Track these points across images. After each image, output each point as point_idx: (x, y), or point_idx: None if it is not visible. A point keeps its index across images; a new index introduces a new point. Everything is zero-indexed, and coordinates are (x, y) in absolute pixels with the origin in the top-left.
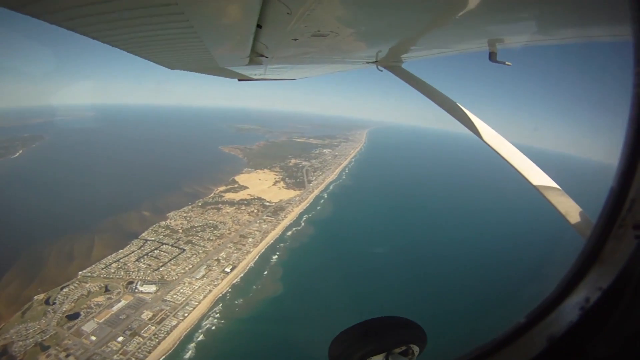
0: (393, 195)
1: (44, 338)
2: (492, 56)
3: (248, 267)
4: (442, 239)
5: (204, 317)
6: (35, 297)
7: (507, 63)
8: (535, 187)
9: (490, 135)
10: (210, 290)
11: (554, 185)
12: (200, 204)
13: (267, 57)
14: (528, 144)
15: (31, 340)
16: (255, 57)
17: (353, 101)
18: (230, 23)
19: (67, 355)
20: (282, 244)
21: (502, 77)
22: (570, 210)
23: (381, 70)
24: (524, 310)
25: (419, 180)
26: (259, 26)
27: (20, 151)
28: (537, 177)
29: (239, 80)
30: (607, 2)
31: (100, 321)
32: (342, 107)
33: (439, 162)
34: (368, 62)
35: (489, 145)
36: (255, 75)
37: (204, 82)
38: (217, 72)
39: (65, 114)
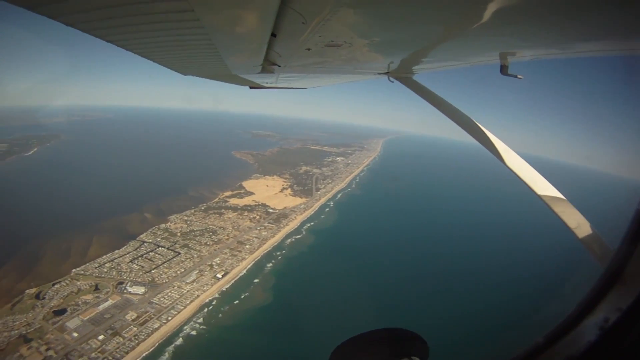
0: (400, 206)
1: (29, 331)
2: (503, 69)
3: (240, 274)
4: (448, 252)
5: (186, 321)
6: (27, 291)
7: (518, 76)
8: (541, 199)
9: (500, 148)
10: (197, 296)
11: (561, 196)
12: (203, 208)
13: (279, 66)
14: (538, 154)
15: (16, 332)
16: (268, 65)
17: (371, 110)
18: (245, 31)
19: (47, 349)
20: (279, 252)
21: (514, 90)
22: (578, 223)
23: (392, 82)
24: (539, 330)
25: (429, 192)
26: (273, 35)
27: (35, 149)
28: (544, 188)
29: (250, 87)
30: (620, 16)
31: (85, 319)
32: (361, 115)
33: (451, 174)
34: (379, 73)
35: (498, 158)
36: (266, 83)
37: (224, 88)
38: (228, 79)
39: (84, 115)
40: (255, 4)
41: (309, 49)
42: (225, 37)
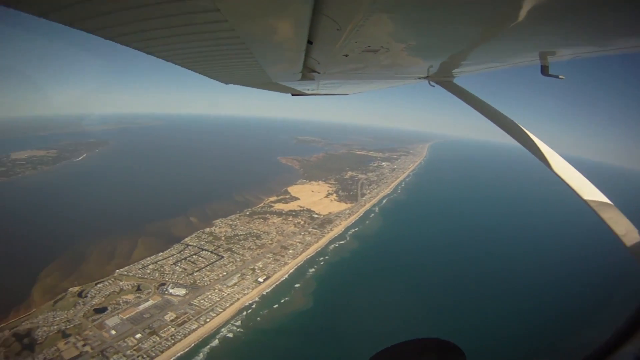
0: (445, 211)
1: (68, 327)
2: (544, 70)
3: (282, 279)
4: (492, 256)
5: (224, 324)
6: (70, 289)
7: (560, 77)
8: (587, 204)
9: (544, 150)
10: (238, 299)
11: (608, 201)
12: (248, 212)
13: (319, 73)
14: (583, 156)
15: (55, 327)
16: (308, 72)
17: (417, 114)
18: (280, 40)
19: (84, 345)
20: (321, 258)
21: (555, 91)
22: (626, 231)
23: (433, 86)
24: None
25: (474, 196)
26: (309, 42)
27: (84, 155)
28: (590, 193)
29: (292, 95)
30: None
31: (124, 317)
32: (406, 120)
33: (495, 177)
34: (420, 78)
35: (542, 161)
36: (308, 90)
37: (268, 94)
38: (270, 87)
39: (133, 122)
40: (288, 12)
41: (346, 55)
42: (262, 46)
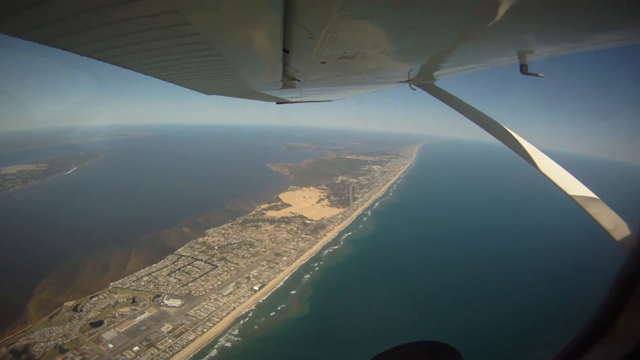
0: (436, 212)
1: (65, 342)
2: (523, 68)
3: (277, 286)
4: (488, 261)
5: (222, 333)
6: (65, 304)
7: (539, 74)
8: (573, 200)
9: (528, 149)
10: (234, 308)
11: (593, 196)
12: (240, 221)
13: (299, 81)
14: (565, 150)
15: (52, 342)
16: (288, 80)
17: (405, 116)
18: (256, 50)
19: None
20: (316, 264)
21: (535, 89)
22: (615, 224)
23: (414, 89)
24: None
25: (464, 196)
26: (285, 51)
27: (74, 168)
28: (575, 188)
29: (277, 103)
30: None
31: (121, 330)
32: (394, 122)
33: (484, 177)
34: (400, 82)
35: (526, 160)
36: (291, 98)
37: (255, 102)
38: (253, 96)
39: (120, 134)
40: (260, 23)
41: (323, 63)
42: (238, 57)
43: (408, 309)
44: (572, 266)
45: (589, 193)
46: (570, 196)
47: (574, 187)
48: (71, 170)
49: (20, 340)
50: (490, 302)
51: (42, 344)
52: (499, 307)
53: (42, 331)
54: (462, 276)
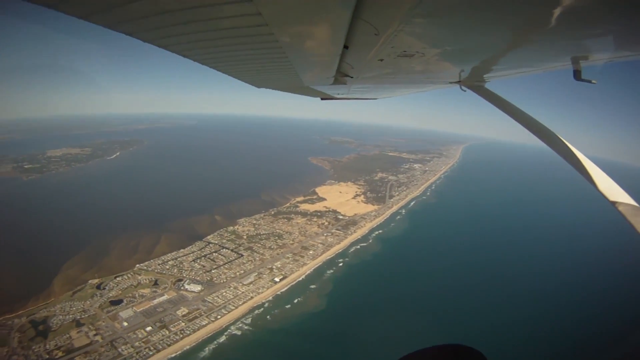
0: (475, 214)
1: (83, 317)
2: (576, 74)
3: (298, 279)
4: (521, 264)
5: (234, 321)
6: (90, 281)
7: (592, 81)
8: (616, 207)
9: (578, 155)
10: (251, 297)
11: (635, 204)
12: (273, 212)
13: (352, 77)
14: (617, 160)
15: (71, 316)
16: (340, 77)
17: (450, 116)
18: (318, 44)
19: (95, 335)
20: (341, 260)
21: (588, 95)
22: None
23: (464, 91)
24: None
25: (506, 199)
26: (345, 47)
27: (118, 153)
28: (618, 195)
29: (322, 99)
30: None
31: (138, 310)
32: (439, 121)
33: (527, 180)
34: (451, 82)
35: (573, 165)
36: (338, 94)
37: (300, 96)
38: (301, 91)
39: (167, 122)
40: (328, 17)
41: (381, 60)
42: (298, 50)
43: (431, 311)
44: (607, 269)
45: (632, 201)
46: (612, 202)
47: (617, 194)
48: (114, 156)
49: (41, 311)
50: (519, 306)
51: (60, 317)
52: (529, 310)
53: (63, 305)
54: (492, 279)
